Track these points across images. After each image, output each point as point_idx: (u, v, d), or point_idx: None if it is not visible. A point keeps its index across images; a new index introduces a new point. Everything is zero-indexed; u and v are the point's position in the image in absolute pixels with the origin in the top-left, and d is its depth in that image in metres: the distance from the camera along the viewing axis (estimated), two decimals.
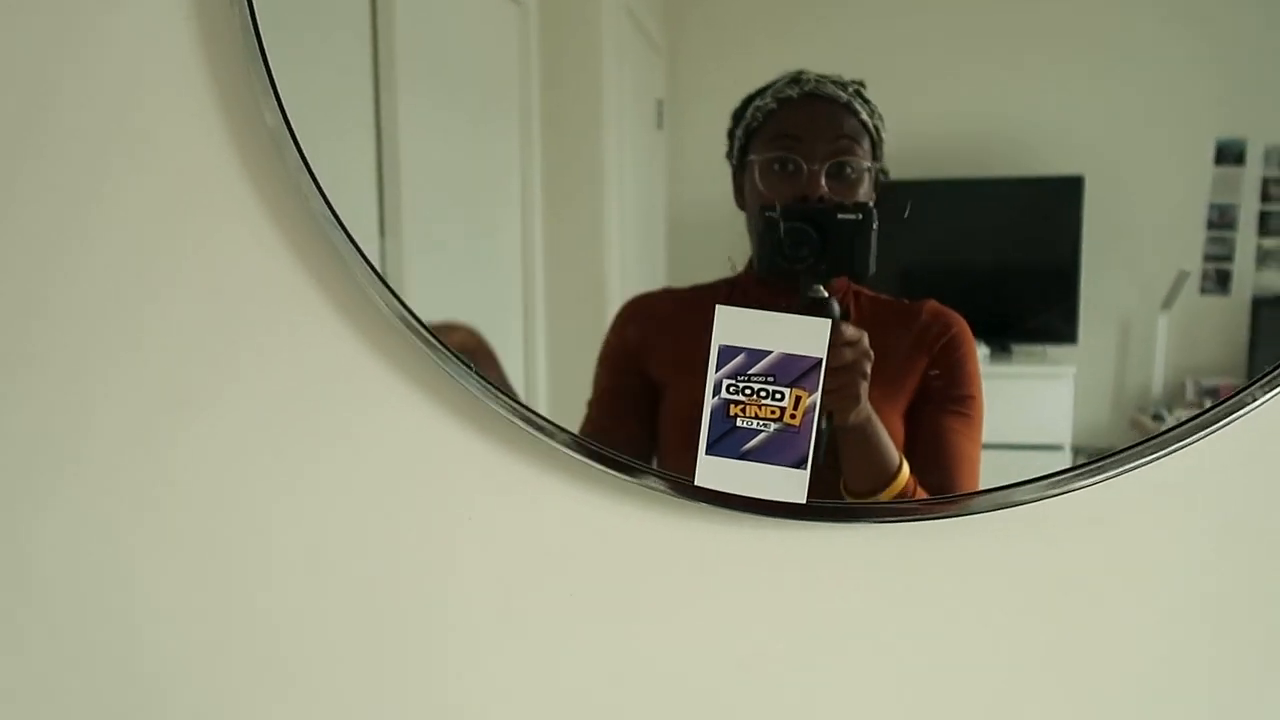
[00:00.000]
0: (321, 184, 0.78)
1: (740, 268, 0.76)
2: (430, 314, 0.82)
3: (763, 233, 0.71)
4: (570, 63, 0.86)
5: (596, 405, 0.80)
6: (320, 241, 0.79)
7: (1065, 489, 0.73)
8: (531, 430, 0.77)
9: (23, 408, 0.87)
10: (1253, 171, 0.82)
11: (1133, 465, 0.73)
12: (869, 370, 0.71)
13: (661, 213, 0.89)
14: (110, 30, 0.80)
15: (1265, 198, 0.82)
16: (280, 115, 0.77)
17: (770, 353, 0.67)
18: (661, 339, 0.79)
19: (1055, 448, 0.87)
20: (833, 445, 0.72)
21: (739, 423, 0.67)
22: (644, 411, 0.78)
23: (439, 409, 0.80)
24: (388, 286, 0.79)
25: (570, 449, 0.77)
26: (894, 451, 0.74)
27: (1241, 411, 0.73)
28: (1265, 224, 0.82)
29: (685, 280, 0.84)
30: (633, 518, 0.77)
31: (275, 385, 0.83)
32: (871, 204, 0.73)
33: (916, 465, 0.75)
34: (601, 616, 0.82)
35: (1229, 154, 0.82)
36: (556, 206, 0.87)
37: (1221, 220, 0.83)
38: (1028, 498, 0.72)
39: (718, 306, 0.69)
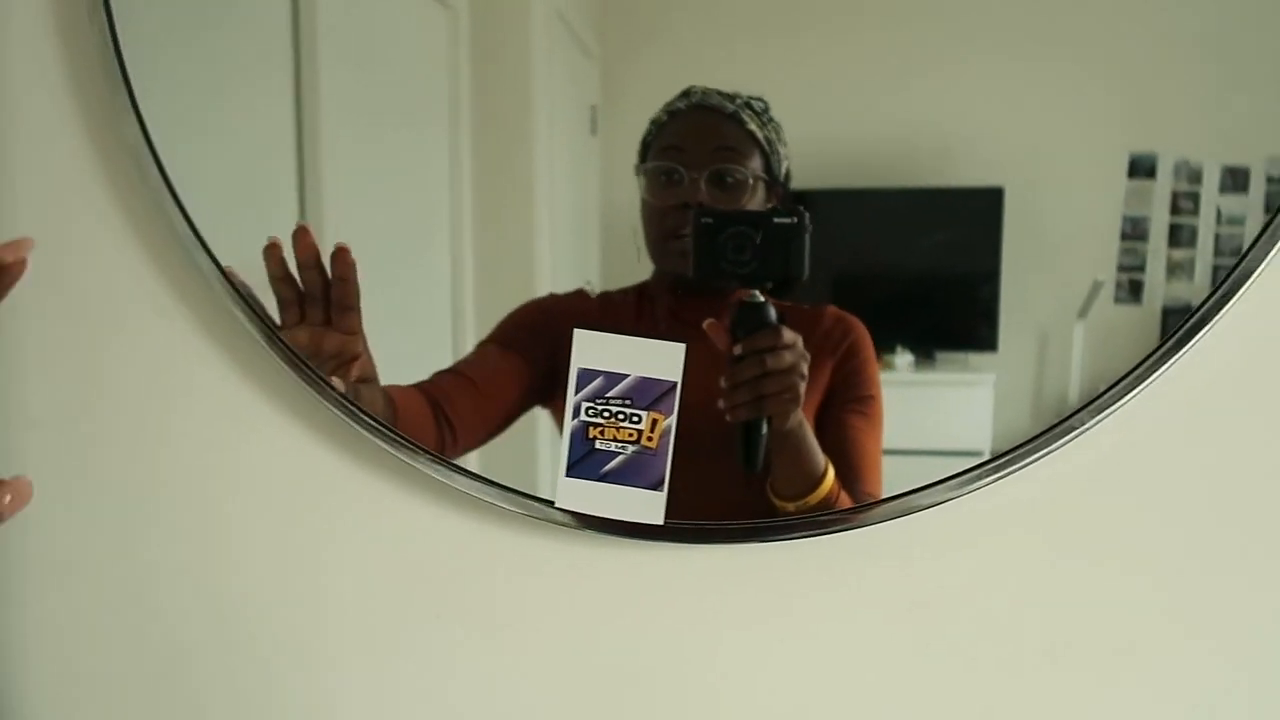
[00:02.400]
0: (184, 203, 0.76)
1: (598, 290, 0.78)
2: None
3: (700, 238, 0.72)
4: (501, 67, 0.85)
5: (465, 369, 0.78)
6: (187, 263, 0.78)
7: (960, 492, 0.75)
8: (392, 449, 0.76)
9: None
10: (1163, 185, 0.85)
11: (1038, 456, 0.75)
12: (807, 371, 0.73)
13: (595, 219, 0.89)
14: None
15: (1175, 210, 0.85)
16: (140, 130, 0.75)
17: (628, 376, 0.68)
18: (570, 340, 0.78)
19: (975, 453, 0.90)
20: (768, 454, 0.74)
21: (598, 445, 0.67)
22: (513, 403, 0.78)
23: (305, 430, 0.80)
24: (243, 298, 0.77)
25: (429, 468, 0.76)
26: (820, 454, 0.75)
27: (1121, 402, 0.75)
28: (1175, 236, 0.85)
29: (617, 286, 0.85)
30: (497, 539, 0.77)
31: (136, 401, 0.82)
32: (745, 203, 0.75)
33: None
34: (467, 634, 0.81)
35: (1141, 168, 0.85)
36: (487, 213, 0.87)
37: (1134, 232, 0.86)
38: (925, 504, 0.74)
39: (575, 330, 0.70)
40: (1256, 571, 0.78)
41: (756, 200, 0.75)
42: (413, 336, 0.85)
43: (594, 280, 0.89)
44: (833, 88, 0.87)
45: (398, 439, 0.74)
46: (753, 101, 0.77)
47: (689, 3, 0.88)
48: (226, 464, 0.81)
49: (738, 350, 0.72)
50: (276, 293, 0.75)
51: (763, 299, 0.73)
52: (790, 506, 0.75)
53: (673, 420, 0.68)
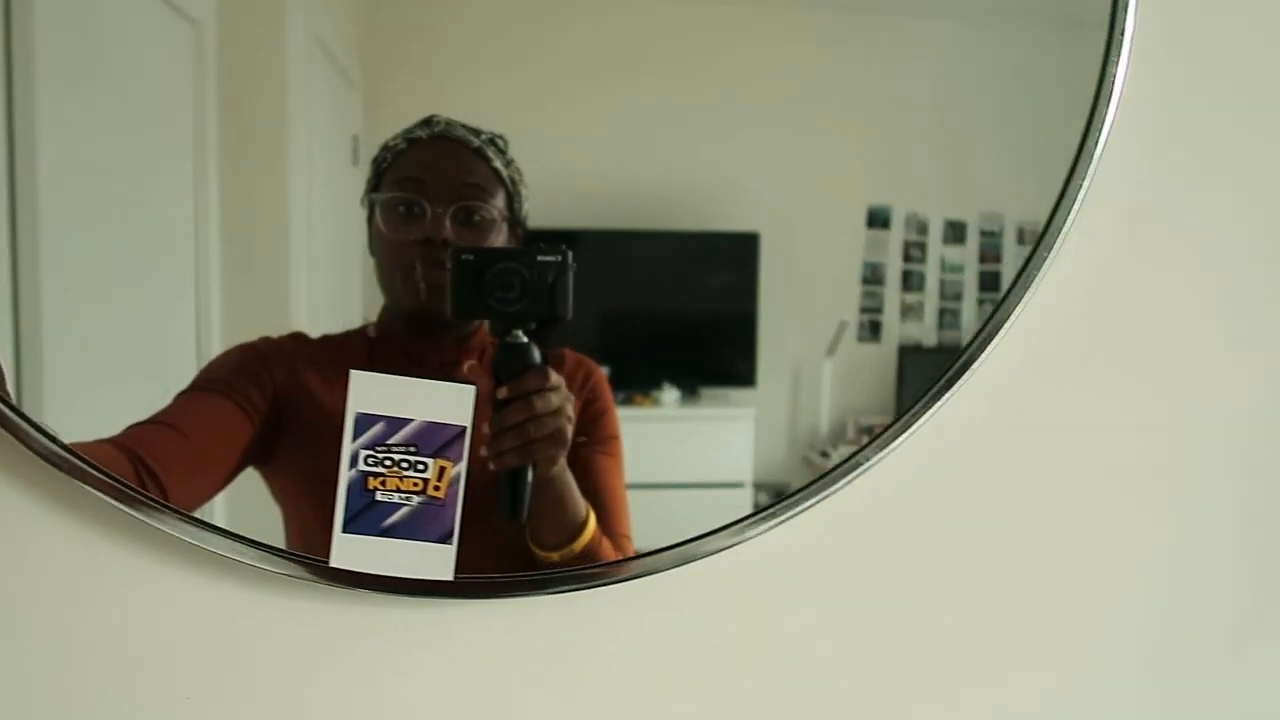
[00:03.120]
0: None
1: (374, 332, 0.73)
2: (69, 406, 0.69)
3: (460, 276, 0.68)
4: (254, 90, 0.78)
5: (166, 417, 0.68)
6: None
7: (741, 538, 0.77)
8: (129, 509, 0.65)
9: None
10: (896, 235, 0.94)
11: (807, 504, 0.80)
12: (573, 414, 0.71)
13: (358, 254, 0.84)
14: None
15: (906, 258, 0.94)
16: None
17: (411, 420, 0.63)
18: (294, 386, 0.71)
19: (737, 485, 0.94)
20: (530, 500, 0.71)
21: (378, 496, 0.62)
22: (230, 452, 0.69)
23: (36, 495, 0.67)
24: None
25: (182, 531, 0.66)
26: (581, 500, 0.73)
27: (890, 448, 0.82)
28: (907, 281, 0.94)
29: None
30: (262, 605, 0.69)
31: None
32: (491, 242, 0.73)
33: None
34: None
35: (878, 219, 0.93)
36: (236, 249, 0.79)
37: (874, 277, 0.94)
38: (706, 550, 0.75)
39: (352, 371, 0.63)
40: (1028, 594, 0.87)
41: (500, 239, 0.73)
42: (153, 390, 0.75)
43: (355, 314, 0.84)
44: (599, 129, 0.88)
45: (123, 489, 0.64)
46: (496, 138, 0.75)
47: (450, 34, 0.85)
48: None
49: (503, 393, 0.69)
50: None
51: (526, 339, 0.70)
52: (554, 556, 0.72)
53: (462, 467, 0.64)
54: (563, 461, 0.71)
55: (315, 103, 0.80)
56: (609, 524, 0.77)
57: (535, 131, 0.85)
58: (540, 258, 0.70)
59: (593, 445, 0.76)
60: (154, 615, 0.70)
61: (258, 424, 0.70)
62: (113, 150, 0.75)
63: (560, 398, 0.70)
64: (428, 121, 0.72)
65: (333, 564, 0.64)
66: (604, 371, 0.77)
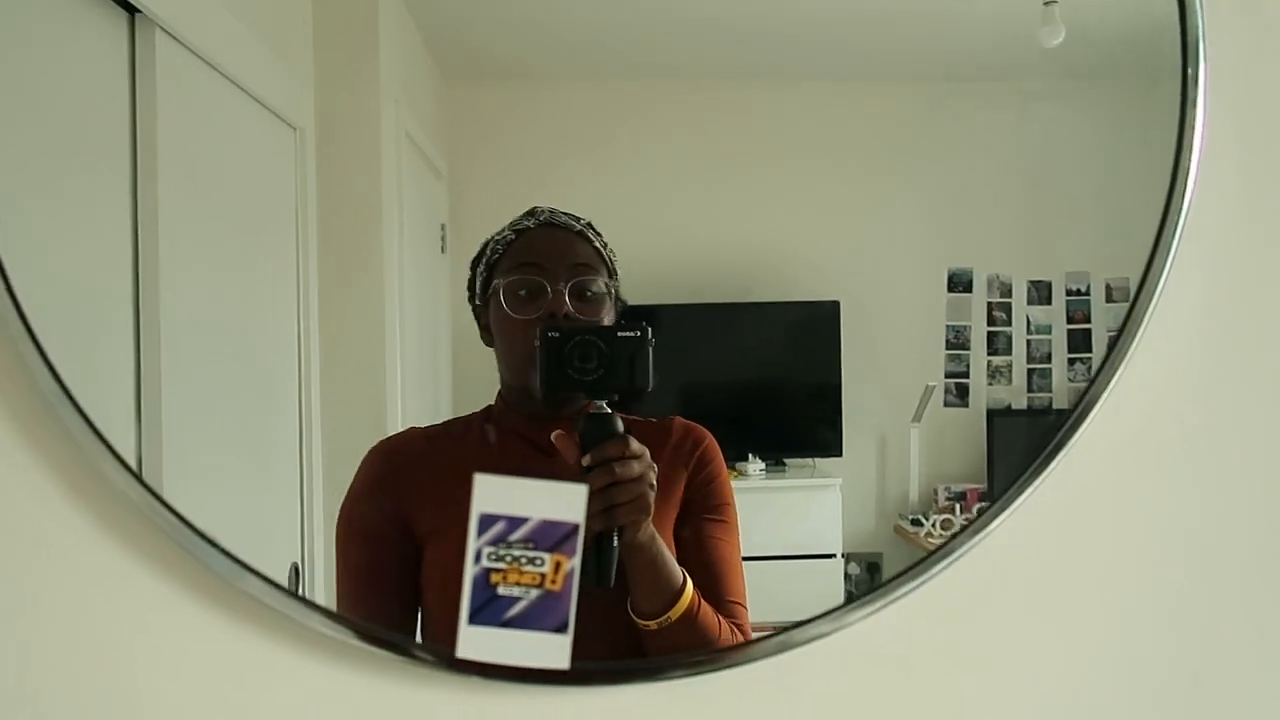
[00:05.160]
0: (52, 361, 0.65)
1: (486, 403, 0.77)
2: (186, 478, 0.73)
3: (547, 351, 0.71)
4: (349, 186, 0.83)
5: (351, 583, 0.74)
6: (52, 421, 0.66)
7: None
8: (285, 610, 0.68)
9: None
10: (979, 297, 0.93)
11: (904, 590, 0.75)
12: (655, 481, 0.71)
13: (446, 338, 0.87)
14: None
15: (991, 321, 0.93)
16: (4, 285, 0.64)
17: (529, 519, 0.65)
18: (418, 488, 0.75)
19: (828, 556, 0.93)
20: (620, 568, 0.71)
21: (500, 590, 0.65)
22: (407, 584, 0.75)
23: (180, 589, 0.69)
24: (124, 464, 0.67)
25: (326, 626, 0.68)
26: (677, 566, 0.73)
27: (987, 531, 0.76)
28: (993, 343, 0.93)
29: (469, 409, 0.83)
30: (394, 696, 0.70)
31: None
32: (604, 317, 0.76)
33: (689, 577, 0.75)
34: None
35: (959, 282, 0.93)
36: (334, 336, 0.83)
37: (958, 340, 0.93)
38: (805, 638, 0.72)
39: (475, 475, 0.65)
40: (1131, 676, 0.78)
41: (609, 312, 0.76)
42: (253, 466, 0.79)
43: (448, 403, 0.87)
44: (676, 208, 0.91)
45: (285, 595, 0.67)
46: (591, 224, 0.79)
47: (533, 125, 0.90)
48: (101, 625, 0.70)
49: (586, 461, 0.70)
50: None
51: (609, 410, 0.72)
52: (652, 625, 0.72)
53: (576, 561, 0.65)
54: (650, 528, 0.71)
55: (405, 194, 0.85)
56: (718, 591, 0.77)
57: (615, 212, 0.88)
58: (620, 333, 0.72)
59: (702, 513, 0.78)
60: (298, 703, 0.71)
61: (405, 550, 0.75)
62: (224, 242, 0.81)
63: (642, 465, 0.70)
64: (531, 213, 0.77)
65: (459, 655, 0.65)
66: (714, 440, 0.79)
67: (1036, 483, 0.72)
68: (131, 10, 0.71)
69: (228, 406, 0.80)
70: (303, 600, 0.68)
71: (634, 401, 0.75)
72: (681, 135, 0.92)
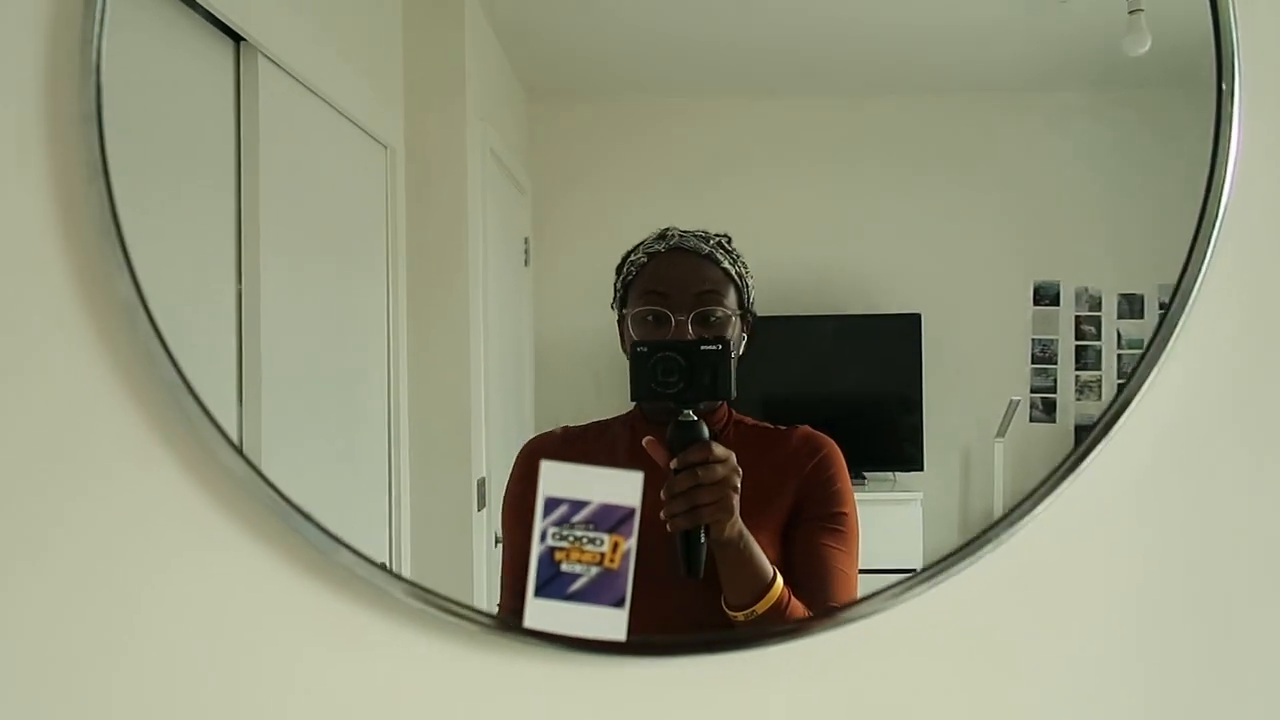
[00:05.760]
0: (173, 352, 0.73)
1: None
2: (284, 465, 0.78)
3: (635, 365, 0.75)
4: (437, 201, 0.87)
5: (507, 562, 0.79)
6: (172, 407, 0.74)
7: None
8: (371, 579, 0.74)
9: None
10: (1067, 311, 0.90)
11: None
12: (739, 484, 0.75)
13: (529, 348, 0.90)
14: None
15: (1079, 335, 0.90)
16: (133, 286, 0.72)
17: (590, 503, 0.71)
18: None
19: (908, 571, 0.91)
20: (711, 562, 0.76)
21: (563, 567, 0.71)
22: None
23: (284, 561, 0.76)
24: (232, 445, 0.74)
25: (407, 596, 0.74)
26: (767, 564, 0.76)
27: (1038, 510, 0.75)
28: (1081, 358, 0.90)
29: (550, 416, 0.86)
30: (464, 659, 0.76)
31: (116, 539, 0.78)
32: (729, 339, 0.79)
33: (794, 581, 0.78)
34: None
35: (1046, 295, 0.91)
36: (421, 343, 0.87)
37: (1044, 355, 0.91)
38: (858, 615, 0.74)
39: (541, 461, 0.71)
40: (1172, 664, 0.78)
41: (734, 333, 0.80)
42: (346, 476, 0.84)
43: (530, 409, 0.90)
44: (758, 221, 0.92)
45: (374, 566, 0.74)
46: (723, 240, 0.82)
47: (615, 142, 0.92)
48: (211, 596, 0.77)
49: (674, 464, 0.75)
50: None
51: (695, 418, 0.76)
52: (740, 616, 0.75)
53: (633, 543, 0.70)
54: (737, 526, 0.75)
55: (489, 209, 0.89)
56: (823, 598, 0.79)
57: (695, 225, 0.89)
58: (703, 347, 0.76)
59: (815, 520, 0.80)
60: (378, 664, 0.77)
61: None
62: (318, 251, 0.87)
63: (725, 469, 0.74)
64: (662, 236, 0.80)
65: (526, 625, 0.71)
66: (836, 450, 0.81)
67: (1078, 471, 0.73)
68: (237, 40, 0.77)
69: (322, 400, 0.86)
70: (389, 572, 0.74)
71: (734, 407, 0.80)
72: (763, 149, 0.93)
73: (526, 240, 0.90)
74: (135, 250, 0.71)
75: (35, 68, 0.75)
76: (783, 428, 0.82)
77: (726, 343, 0.77)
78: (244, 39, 0.78)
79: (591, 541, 0.70)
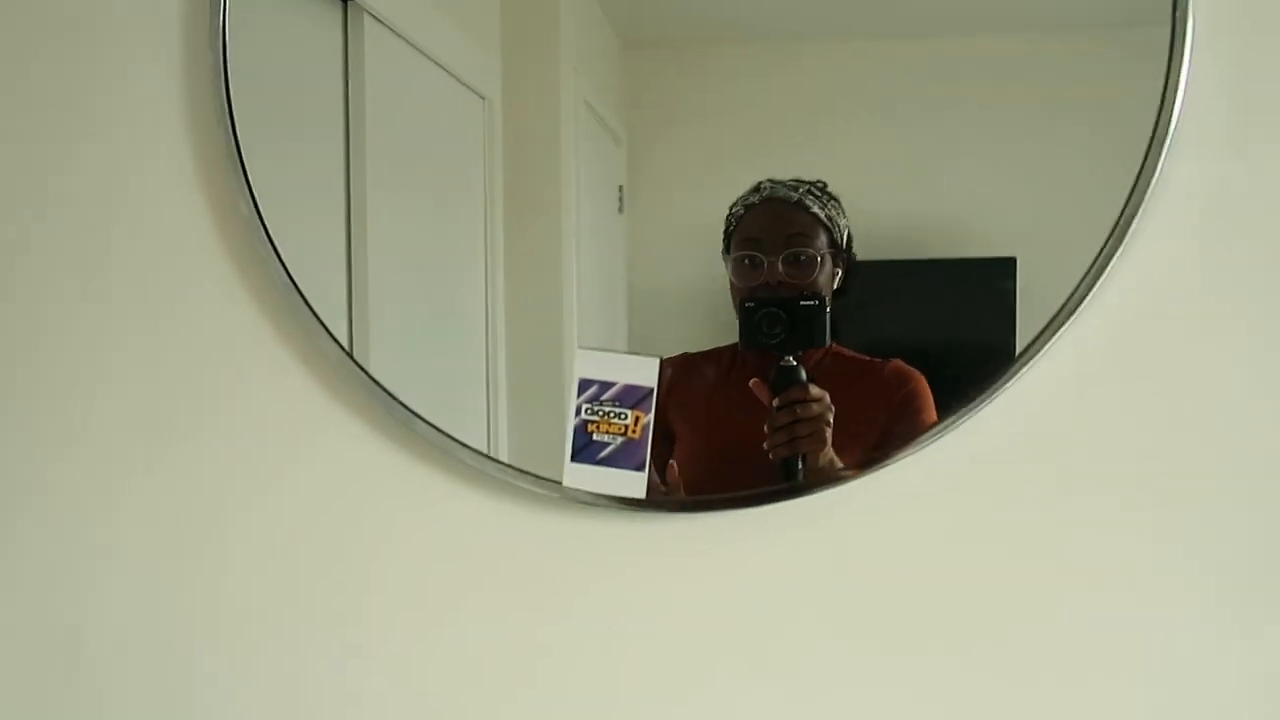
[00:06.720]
0: (285, 259, 0.90)
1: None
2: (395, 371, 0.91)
3: (743, 318, 0.87)
4: (531, 151, 0.92)
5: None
6: (285, 307, 0.93)
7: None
8: (439, 447, 0.91)
9: (22, 425, 1.00)
10: None
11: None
12: (831, 419, 0.87)
13: (622, 292, 0.94)
14: (120, 139, 0.96)
15: None
16: (253, 205, 0.90)
17: (616, 384, 0.86)
18: (672, 396, 0.91)
19: None
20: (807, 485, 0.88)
21: (594, 437, 0.86)
22: (661, 453, 0.91)
23: (377, 436, 0.94)
24: (334, 338, 0.91)
25: (470, 460, 0.91)
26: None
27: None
28: None
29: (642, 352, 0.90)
30: (519, 517, 0.94)
31: (241, 418, 0.96)
32: (825, 294, 0.89)
33: None
34: (496, 599, 0.95)
35: None
36: (518, 286, 0.93)
37: None
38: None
39: (577, 350, 0.88)
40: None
41: (826, 271, 0.88)
42: (451, 395, 0.91)
43: (622, 346, 0.94)
44: (852, 167, 0.92)
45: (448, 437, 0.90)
46: (813, 187, 0.88)
47: (708, 92, 0.94)
48: (315, 467, 0.95)
49: (776, 403, 0.86)
50: None
51: (795, 363, 0.87)
52: None
53: (651, 416, 0.86)
54: (831, 454, 0.87)
55: (583, 158, 0.93)
56: None
57: (790, 172, 0.91)
58: (802, 303, 0.87)
59: (903, 448, 0.87)
60: (447, 519, 0.95)
61: (665, 435, 0.91)
62: (420, 193, 0.95)
63: (820, 407, 0.86)
64: (756, 189, 0.88)
65: (565, 484, 0.88)
66: (924, 382, 0.88)
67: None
68: (345, 0, 0.84)
69: (421, 329, 0.97)
70: (453, 439, 0.91)
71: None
72: (853, 92, 0.93)
73: (621, 189, 0.94)
74: (256, 181, 0.86)
75: (176, 32, 0.92)
76: (877, 360, 0.89)
77: (823, 299, 0.87)
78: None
79: (618, 415, 0.85)
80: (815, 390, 0.87)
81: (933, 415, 0.87)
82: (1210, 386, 0.87)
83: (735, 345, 0.89)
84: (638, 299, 0.94)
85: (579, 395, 0.85)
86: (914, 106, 0.91)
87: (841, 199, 0.91)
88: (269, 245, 0.91)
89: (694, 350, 0.90)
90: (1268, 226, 0.85)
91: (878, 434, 0.88)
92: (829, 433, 0.86)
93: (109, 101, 0.95)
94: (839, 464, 0.87)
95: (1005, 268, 0.91)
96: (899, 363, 0.88)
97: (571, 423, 0.85)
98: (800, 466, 0.87)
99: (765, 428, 0.87)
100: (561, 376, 0.93)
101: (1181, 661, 0.88)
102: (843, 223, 0.88)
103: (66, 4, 0.95)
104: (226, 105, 0.89)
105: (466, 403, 0.94)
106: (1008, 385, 0.87)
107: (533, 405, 0.94)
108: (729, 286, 0.89)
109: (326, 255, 0.91)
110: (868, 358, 0.88)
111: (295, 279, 0.90)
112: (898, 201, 0.92)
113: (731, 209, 0.88)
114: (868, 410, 0.88)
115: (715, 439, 0.91)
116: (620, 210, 0.94)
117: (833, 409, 0.86)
